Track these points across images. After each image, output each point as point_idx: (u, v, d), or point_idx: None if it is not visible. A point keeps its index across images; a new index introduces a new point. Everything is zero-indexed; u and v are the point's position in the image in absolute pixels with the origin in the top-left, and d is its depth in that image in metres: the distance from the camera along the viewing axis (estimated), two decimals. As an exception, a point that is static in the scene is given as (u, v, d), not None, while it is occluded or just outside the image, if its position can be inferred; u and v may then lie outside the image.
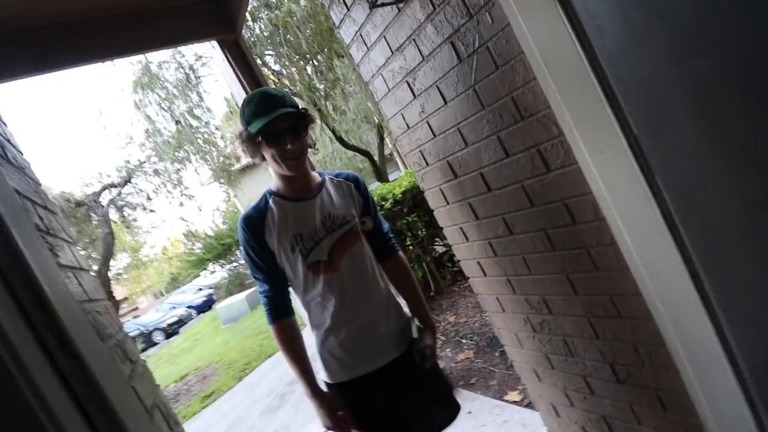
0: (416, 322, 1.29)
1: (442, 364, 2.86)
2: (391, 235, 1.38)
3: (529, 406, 2.08)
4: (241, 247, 1.23)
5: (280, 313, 1.20)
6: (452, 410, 1.32)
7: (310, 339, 1.24)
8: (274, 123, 1.10)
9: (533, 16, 0.92)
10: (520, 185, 1.22)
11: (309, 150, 1.28)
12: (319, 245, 1.17)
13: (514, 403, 2.21)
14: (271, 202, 1.20)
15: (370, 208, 1.31)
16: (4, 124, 0.95)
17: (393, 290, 1.33)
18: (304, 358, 1.20)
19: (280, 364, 5.36)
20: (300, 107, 1.18)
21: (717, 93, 0.71)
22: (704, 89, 0.72)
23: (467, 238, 1.54)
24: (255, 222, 1.18)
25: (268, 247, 1.18)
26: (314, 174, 1.28)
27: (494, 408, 2.24)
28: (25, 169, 0.88)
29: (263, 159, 1.20)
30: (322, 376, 1.24)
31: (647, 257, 0.99)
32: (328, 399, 1.17)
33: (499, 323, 1.63)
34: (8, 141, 0.88)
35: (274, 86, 1.26)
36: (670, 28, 0.70)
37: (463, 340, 3.20)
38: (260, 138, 1.13)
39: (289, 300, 1.24)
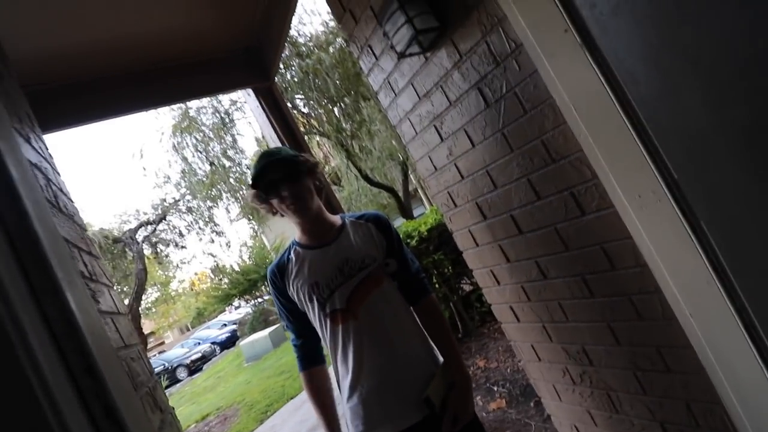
0: (445, 377, 1.17)
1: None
2: (422, 276, 1.29)
3: (570, 464, 1.90)
4: (272, 298, 1.25)
5: (310, 362, 1.19)
6: None
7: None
8: (268, 174, 1.15)
9: (561, 63, 0.94)
10: (553, 228, 1.19)
11: (334, 187, 1.30)
12: (336, 293, 1.13)
13: (553, 460, 2.04)
14: (292, 252, 1.22)
15: (394, 248, 1.24)
16: (58, 173, 1.02)
17: (427, 337, 1.25)
18: (329, 409, 1.15)
19: (303, 407, 5.21)
20: (297, 155, 1.20)
21: (761, 138, 0.68)
22: (747, 135, 0.69)
23: (498, 282, 1.49)
24: (277, 275, 1.20)
25: (292, 300, 1.19)
26: (334, 218, 1.26)
27: (531, 465, 2.07)
28: (74, 216, 0.93)
29: (280, 213, 1.23)
30: None
31: (696, 307, 0.92)
32: None
33: (535, 373, 1.54)
34: (60, 190, 0.94)
35: (281, 145, 1.29)
36: (705, 74, 0.69)
37: (495, 388, 3.02)
38: (260, 191, 1.17)
39: (320, 348, 1.22)
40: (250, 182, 1.20)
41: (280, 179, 1.14)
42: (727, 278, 0.85)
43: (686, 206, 0.84)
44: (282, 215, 1.24)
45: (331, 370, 1.21)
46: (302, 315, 1.20)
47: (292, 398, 5.85)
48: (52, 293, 0.29)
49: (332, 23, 5.65)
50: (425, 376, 1.16)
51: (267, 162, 1.16)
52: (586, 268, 1.15)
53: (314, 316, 1.15)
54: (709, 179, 0.79)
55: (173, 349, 17.68)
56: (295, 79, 5.35)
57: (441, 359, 1.24)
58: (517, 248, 1.35)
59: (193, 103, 6.43)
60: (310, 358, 1.20)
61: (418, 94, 1.45)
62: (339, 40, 5.36)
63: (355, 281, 1.14)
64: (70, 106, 1.72)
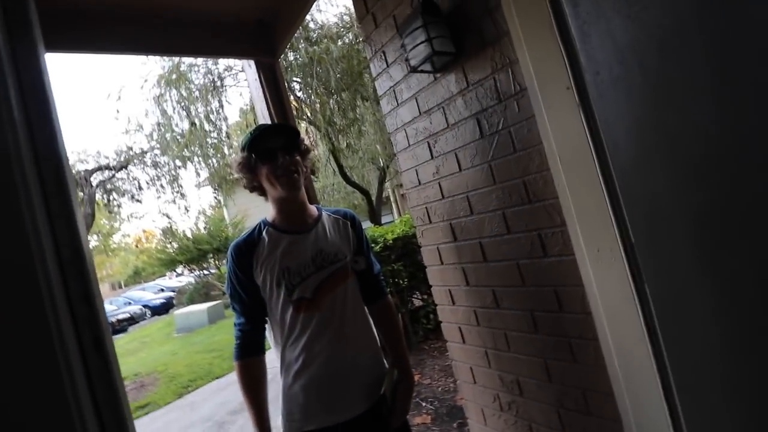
0: (394, 373, 1.24)
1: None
2: (382, 278, 1.35)
3: (479, 488, 1.99)
4: (227, 275, 1.20)
5: (250, 351, 1.16)
6: None
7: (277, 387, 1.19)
8: (267, 141, 1.15)
9: (557, 115, 1.01)
10: (515, 263, 1.27)
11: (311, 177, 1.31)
12: (306, 281, 1.14)
13: (464, 481, 2.12)
14: (264, 232, 1.19)
15: (363, 247, 1.30)
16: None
17: (377, 337, 1.29)
18: (263, 403, 1.14)
19: (227, 389, 5.08)
20: (297, 132, 1.23)
21: (712, 222, 0.78)
22: (702, 217, 0.78)
23: (454, 302, 1.55)
24: (244, 252, 1.17)
25: (254, 280, 1.15)
26: (312, 208, 1.28)
27: (443, 483, 2.13)
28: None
29: (261, 191, 1.22)
30: (280, 427, 1.16)
31: (625, 360, 1.02)
32: None
33: (468, 394, 1.61)
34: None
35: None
36: (678, 158, 0.78)
37: (423, 403, 3.10)
38: (253, 156, 1.16)
39: (263, 338, 1.19)
40: (243, 146, 1.18)
41: (279, 147, 1.15)
42: (656, 340, 0.94)
43: (636, 268, 0.93)
44: (259, 194, 1.24)
45: (269, 354, 1.20)
46: (258, 298, 1.16)
47: (217, 378, 5.68)
48: (66, 218, 0.30)
49: (347, 17, 5.66)
50: (371, 375, 1.20)
51: (267, 128, 1.16)
52: (536, 305, 1.24)
53: (276, 301, 1.14)
54: (660, 249, 0.88)
55: (100, 304, 16.58)
56: (298, 62, 5.30)
57: (386, 362, 1.28)
58: (479, 274, 1.42)
59: (187, 59, 6.19)
60: (252, 347, 1.17)
61: (419, 109, 1.50)
62: (350, 35, 5.37)
63: (325, 273, 1.16)
64: (74, 31, 1.63)
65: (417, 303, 4.51)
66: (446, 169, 1.45)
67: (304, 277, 1.14)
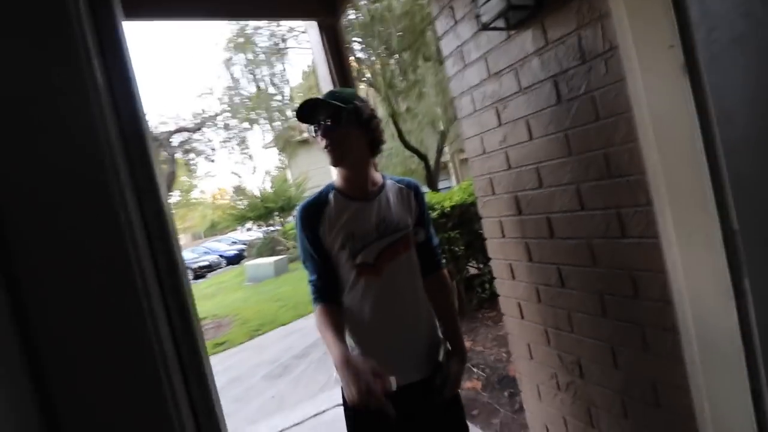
0: (447, 345, 1.26)
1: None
2: (440, 251, 1.34)
3: (528, 457, 2.00)
4: (297, 234, 1.25)
5: (326, 297, 1.18)
6: None
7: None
8: (309, 114, 1.14)
9: (655, 80, 0.88)
10: (586, 241, 1.18)
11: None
12: (369, 248, 1.16)
13: (513, 449, 2.14)
14: (331, 195, 1.21)
15: (424, 219, 1.29)
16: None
17: (431, 309, 1.29)
18: (339, 330, 1.12)
19: (291, 336, 5.53)
20: (352, 101, 1.15)
21: None
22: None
23: (514, 277, 1.50)
24: (311, 213, 1.19)
25: (321, 239, 1.18)
26: (376, 176, 1.27)
27: (491, 447, 2.18)
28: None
29: None
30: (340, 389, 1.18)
31: (708, 356, 0.92)
32: (359, 365, 0.99)
33: (523, 369, 1.58)
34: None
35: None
36: (812, 133, 0.65)
37: (474, 369, 3.13)
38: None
39: (338, 289, 1.21)
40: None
41: (320, 122, 1.14)
42: (750, 342, 0.83)
43: (736, 260, 0.81)
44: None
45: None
46: (326, 255, 1.19)
47: (283, 325, 6.21)
48: (152, 193, 0.32)
49: (411, -31, 5.33)
50: (426, 345, 1.22)
51: (311, 100, 1.14)
52: (607, 288, 1.15)
53: (340, 265, 1.18)
54: (770, 240, 0.75)
55: (184, 252, 18.64)
56: (359, 20, 5.15)
57: (440, 333, 1.29)
58: (544, 250, 1.34)
59: (251, 22, 6.31)
60: (328, 294, 1.19)
61: (489, 71, 1.39)
62: (413, -11, 5.08)
63: (387, 241, 1.17)
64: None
65: (472, 271, 4.46)
66: (514, 138, 1.35)
67: (366, 243, 1.16)
